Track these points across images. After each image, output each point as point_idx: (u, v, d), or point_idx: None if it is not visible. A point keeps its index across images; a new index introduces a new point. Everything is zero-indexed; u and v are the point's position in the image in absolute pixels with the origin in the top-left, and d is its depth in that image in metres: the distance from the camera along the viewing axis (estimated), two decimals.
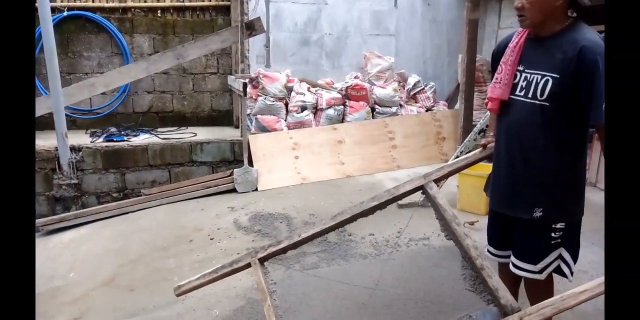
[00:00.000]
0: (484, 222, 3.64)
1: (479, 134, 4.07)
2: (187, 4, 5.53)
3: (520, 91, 1.71)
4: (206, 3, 5.60)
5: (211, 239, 3.47)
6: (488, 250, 2.07)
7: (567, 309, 1.48)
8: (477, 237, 3.42)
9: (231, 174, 4.55)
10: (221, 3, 5.63)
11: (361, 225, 3.66)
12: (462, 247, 1.73)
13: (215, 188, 4.48)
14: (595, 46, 1.53)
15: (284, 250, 2.00)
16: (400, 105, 5.93)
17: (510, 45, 1.76)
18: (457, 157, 4.04)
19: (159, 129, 5.46)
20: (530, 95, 1.68)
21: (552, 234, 1.73)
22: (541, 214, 1.72)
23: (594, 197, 1.69)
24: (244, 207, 4.16)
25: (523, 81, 1.70)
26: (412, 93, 6.11)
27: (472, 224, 3.66)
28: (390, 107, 5.80)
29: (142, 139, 4.95)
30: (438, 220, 1.90)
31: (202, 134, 5.20)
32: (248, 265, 1.97)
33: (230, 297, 2.64)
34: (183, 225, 3.79)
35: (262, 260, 1.99)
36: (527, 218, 1.76)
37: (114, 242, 3.49)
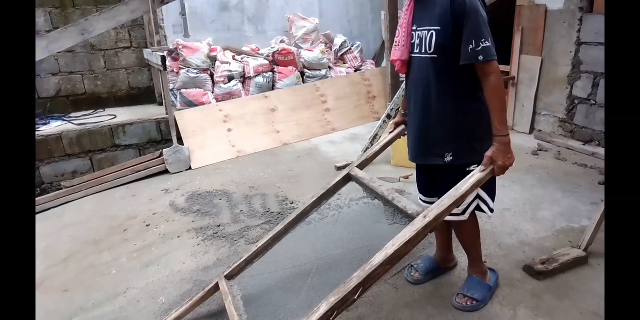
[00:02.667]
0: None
1: (405, 90, 4.09)
2: None
3: (416, 49, 1.83)
4: None
5: (147, 226, 3.28)
6: (420, 199, 2.20)
7: (462, 196, 1.60)
8: (412, 189, 3.54)
9: (161, 154, 4.29)
10: None
11: (302, 192, 3.67)
12: (384, 198, 1.84)
13: (145, 171, 4.22)
14: None
15: (247, 262, 2.15)
16: (329, 67, 5.84)
17: (403, 9, 1.87)
18: (388, 115, 4.07)
19: (73, 114, 4.99)
20: (423, 51, 1.80)
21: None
22: (452, 157, 1.85)
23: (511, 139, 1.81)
24: (179, 187, 3.97)
25: (417, 39, 1.82)
26: (339, 54, 6.01)
27: (406, 177, 3.76)
28: (320, 69, 5.69)
29: (53, 126, 4.51)
30: (369, 195, 2.02)
31: (123, 115, 4.84)
32: (217, 286, 2.13)
33: (175, 282, 2.53)
34: (114, 215, 3.55)
35: (228, 277, 2.14)
36: (441, 164, 1.89)
37: (39, 242, 3.20)
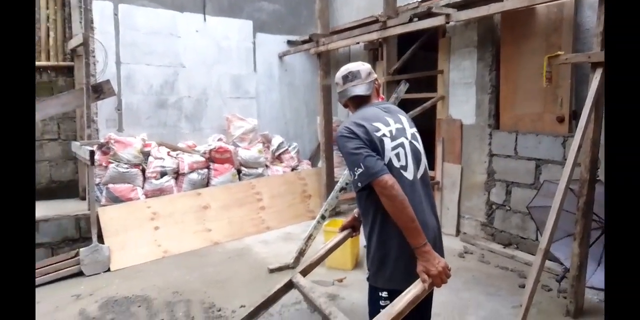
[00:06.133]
0: (351, 278, 3.73)
1: (339, 191, 4.23)
2: None
3: None
4: (43, 63, 5.06)
5: None
6: None
7: (399, 314, 1.56)
8: (346, 293, 3.46)
9: (76, 254, 3.92)
10: (62, 64, 5.14)
11: (231, 297, 3.45)
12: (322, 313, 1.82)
13: (55, 274, 3.78)
14: (339, 129, 1.81)
15: None
16: (266, 166, 5.96)
17: None
18: (322, 215, 4.12)
19: None
20: None
21: (380, 302, 1.80)
22: (368, 274, 1.88)
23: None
24: (93, 292, 3.58)
25: None
26: (276, 153, 6.21)
27: (340, 280, 3.71)
28: (257, 168, 5.78)
29: None
30: (309, 307, 1.97)
31: (39, 210, 4.41)
32: None
33: None
34: None
35: None
36: (367, 279, 1.90)
37: None
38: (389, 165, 1.72)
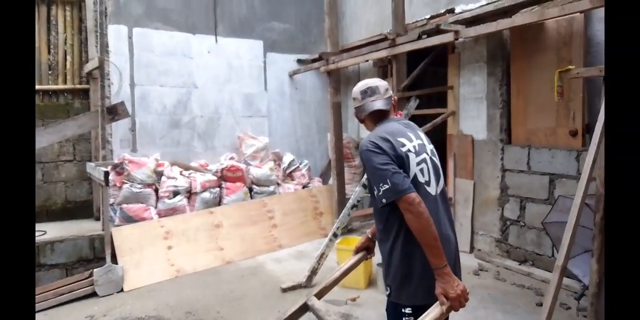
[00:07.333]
0: (364, 296, 3.68)
1: (351, 208, 4.21)
2: (37, 86, 5.03)
3: None
4: (60, 86, 5.20)
5: None
6: None
7: None
8: (359, 313, 3.41)
9: (90, 275, 3.94)
10: (78, 86, 5.28)
11: (243, 316, 3.42)
12: None
13: (69, 294, 3.80)
14: (363, 143, 1.80)
15: None
16: (278, 184, 5.97)
17: None
18: (335, 233, 4.10)
19: None
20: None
21: (403, 318, 1.78)
22: (388, 292, 1.84)
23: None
24: (107, 313, 3.58)
25: None
26: (287, 171, 6.22)
27: (354, 299, 3.66)
28: (268, 186, 5.80)
29: None
30: None
31: (54, 230, 4.52)
32: None
33: None
34: None
35: None
36: (386, 295, 1.88)
37: None
38: (414, 180, 1.74)
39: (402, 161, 1.73)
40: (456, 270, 1.82)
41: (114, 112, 4.66)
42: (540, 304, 3.39)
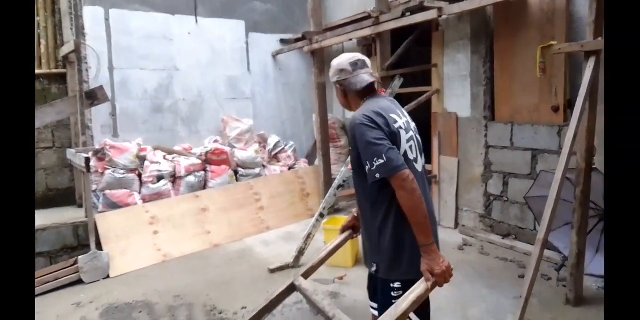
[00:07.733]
0: (352, 275, 3.72)
1: (337, 189, 4.21)
2: None
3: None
4: (36, 71, 5.04)
5: None
6: (370, 305, 2.11)
7: (403, 315, 1.55)
8: (347, 291, 3.45)
9: (75, 262, 3.91)
10: (55, 71, 5.13)
11: (232, 299, 3.44)
12: (326, 316, 1.79)
13: (55, 282, 3.77)
14: (353, 118, 1.75)
15: None
16: (264, 166, 5.94)
17: None
18: (321, 214, 4.11)
19: None
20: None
21: (392, 293, 1.79)
22: (375, 268, 1.84)
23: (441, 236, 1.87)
24: (94, 300, 3.57)
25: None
26: (273, 153, 6.19)
27: (341, 278, 3.70)
28: (254, 168, 5.77)
29: None
30: (312, 309, 1.96)
31: (37, 219, 4.44)
32: None
33: None
34: None
35: None
36: (372, 272, 1.88)
37: None
38: (405, 157, 1.72)
39: (394, 138, 1.71)
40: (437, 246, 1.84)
41: (93, 97, 4.54)
42: (523, 276, 3.47)
